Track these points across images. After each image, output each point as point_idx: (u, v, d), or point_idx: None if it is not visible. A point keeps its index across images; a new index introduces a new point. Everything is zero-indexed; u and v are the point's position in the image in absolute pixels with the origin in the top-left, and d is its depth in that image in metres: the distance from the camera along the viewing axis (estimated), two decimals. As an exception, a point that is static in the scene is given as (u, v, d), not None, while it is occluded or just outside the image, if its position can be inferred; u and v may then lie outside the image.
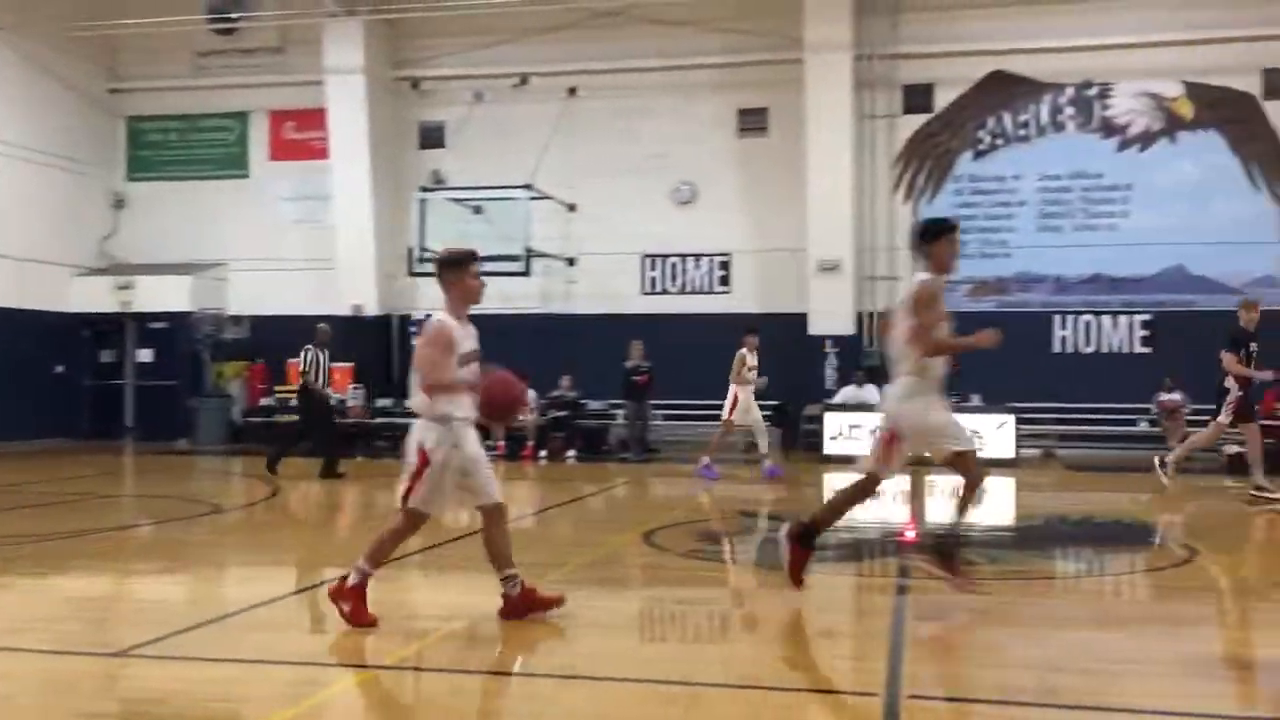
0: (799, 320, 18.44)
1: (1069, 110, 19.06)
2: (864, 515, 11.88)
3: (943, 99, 19.35)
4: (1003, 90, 19.14)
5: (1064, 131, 19.09)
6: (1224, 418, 12.07)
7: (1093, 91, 18.92)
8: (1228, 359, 12.03)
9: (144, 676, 5.12)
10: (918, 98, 19.46)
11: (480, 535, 6.06)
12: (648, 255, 20.34)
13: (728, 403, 14.32)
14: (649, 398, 17.78)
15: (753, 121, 20.01)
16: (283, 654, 5.42)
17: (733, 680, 4.96)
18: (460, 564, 8.16)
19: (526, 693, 5.08)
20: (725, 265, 20.10)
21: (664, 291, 20.27)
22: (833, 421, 17.15)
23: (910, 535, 10.23)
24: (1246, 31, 17.94)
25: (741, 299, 19.76)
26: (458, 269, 6.05)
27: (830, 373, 18.66)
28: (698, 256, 20.20)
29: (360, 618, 5.79)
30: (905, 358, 6.34)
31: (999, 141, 19.31)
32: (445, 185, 19.86)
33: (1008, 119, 19.26)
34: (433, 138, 21.09)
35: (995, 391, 17.46)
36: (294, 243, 21.03)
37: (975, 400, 17.69)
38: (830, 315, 18.81)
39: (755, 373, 14.37)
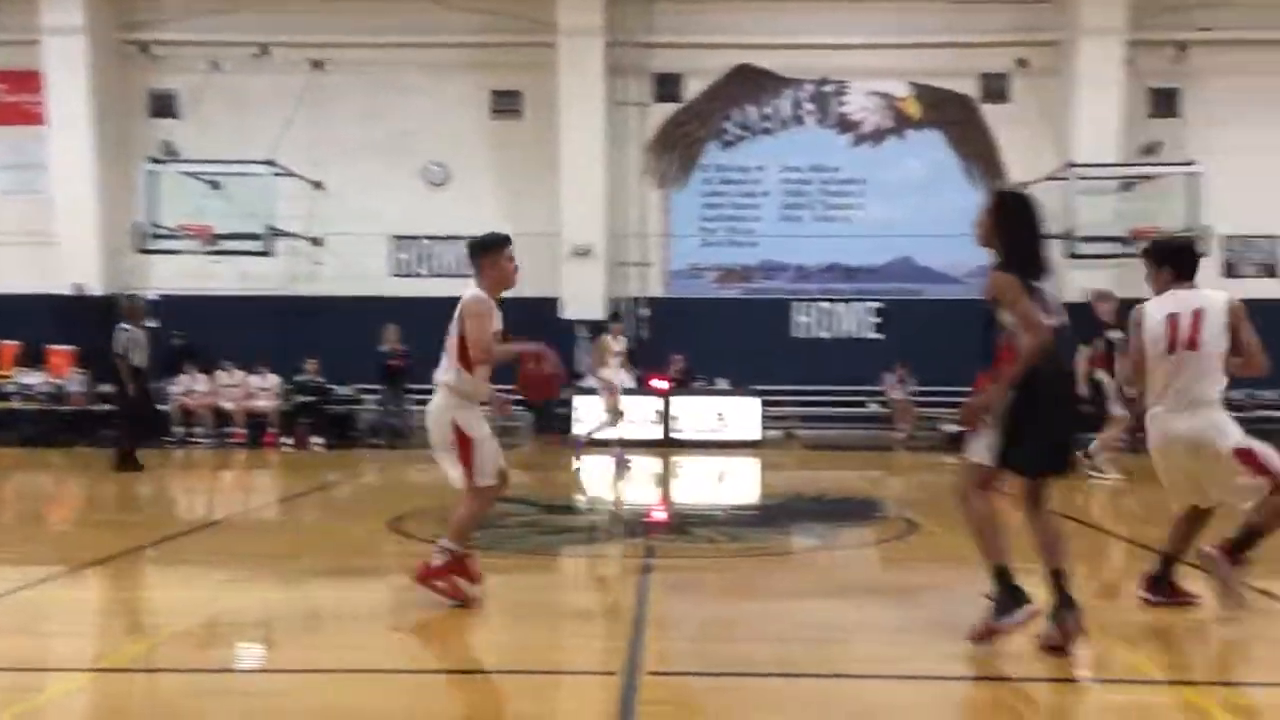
0: (551, 304, 18.50)
1: (809, 106, 19.94)
2: (617, 496, 12.10)
3: (692, 89, 19.84)
4: (748, 83, 19.81)
5: (804, 126, 19.96)
6: (1118, 409, 12.24)
7: (830, 89, 19.87)
8: (1081, 354, 12.23)
9: None
10: (668, 87, 19.87)
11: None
12: (398, 236, 19.92)
13: (600, 390, 14.08)
14: (405, 383, 17.45)
15: (506, 104, 19.89)
16: (-13, 661, 4.98)
17: (475, 665, 4.93)
18: (191, 558, 7.76)
19: (266, 689, 4.85)
20: (478, 248, 19.88)
21: (415, 274, 19.91)
22: (583, 405, 17.30)
23: (659, 516, 10.46)
24: (965, 38, 19.28)
25: (494, 282, 19.60)
26: (493, 252, 6.12)
27: (583, 357, 18.81)
28: (450, 239, 19.92)
29: (457, 593, 5.87)
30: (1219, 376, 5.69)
31: (744, 133, 19.99)
32: (178, 157, 18.73)
33: (753, 111, 19.96)
34: (165, 106, 19.83)
35: (741, 375, 18.15)
36: (6, 215, 19.34)
37: (722, 384, 18.31)
38: (583, 300, 18.98)
39: (620, 359, 14.26)
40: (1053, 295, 5.04)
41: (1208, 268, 17.56)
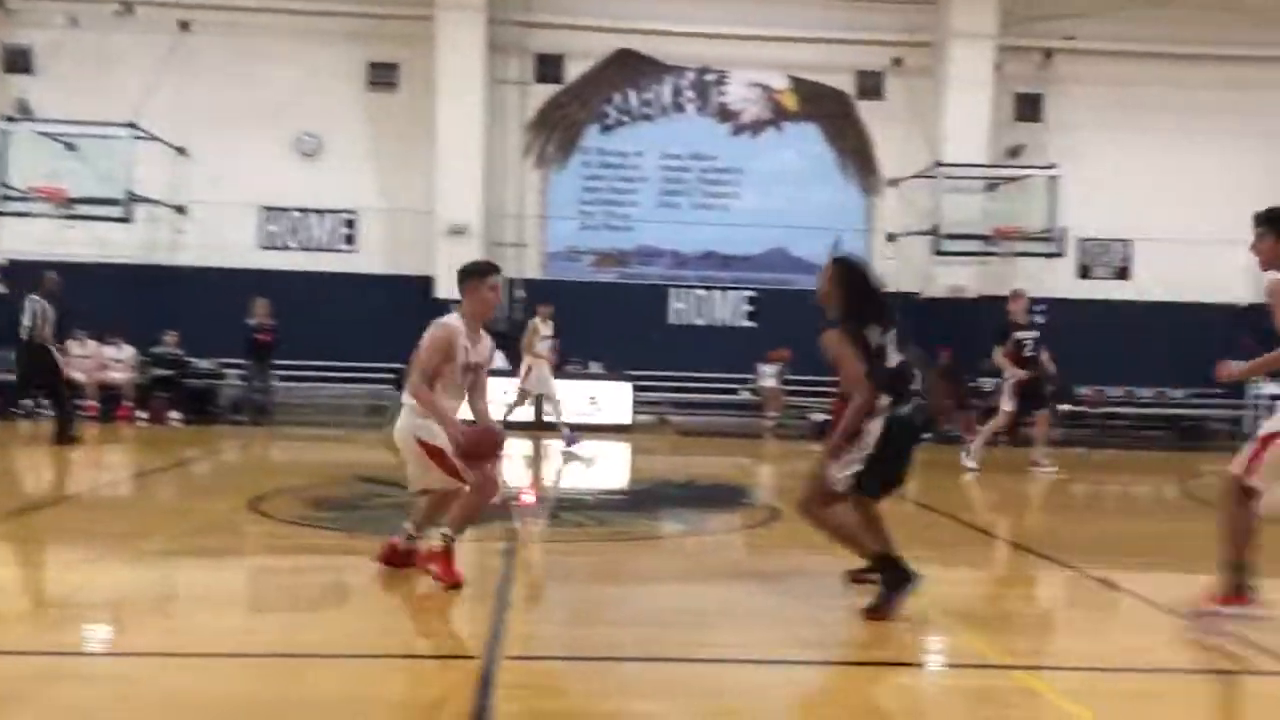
0: (425, 283, 18.23)
1: (689, 93, 20.07)
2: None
3: (573, 71, 19.77)
4: (629, 68, 19.83)
5: (684, 113, 20.09)
6: (1008, 404, 12.48)
7: (711, 78, 20.02)
8: (997, 353, 12.50)
9: None
10: (549, 68, 19.75)
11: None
12: (267, 208, 19.37)
13: (521, 372, 13.97)
14: (272, 358, 17.00)
15: (383, 76, 19.49)
16: None
17: (335, 650, 4.84)
18: (38, 536, 7.46)
19: (118, 674, 4.68)
20: (351, 223, 19.52)
21: (284, 247, 19.39)
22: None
23: (528, 499, 10.43)
24: (844, 35, 19.64)
25: (368, 258, 19.27)
26: (476, 278, 6.05)
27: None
28: (321, 212, 19.48)
29: (451, 576, 5.78)
30: None
31: (624, 118, 20.01)
32: (32, 116, 17.87)
33: (633, 97, 19.99)
34: (19, 62, 18.86)
35: (614, 359, 18.21)
36: None
37: (596, 368, 18.34)
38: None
39: (550, 342, 14.12)
40: (894, 339, 5.52)
41: (1064, 269, 18.54)
